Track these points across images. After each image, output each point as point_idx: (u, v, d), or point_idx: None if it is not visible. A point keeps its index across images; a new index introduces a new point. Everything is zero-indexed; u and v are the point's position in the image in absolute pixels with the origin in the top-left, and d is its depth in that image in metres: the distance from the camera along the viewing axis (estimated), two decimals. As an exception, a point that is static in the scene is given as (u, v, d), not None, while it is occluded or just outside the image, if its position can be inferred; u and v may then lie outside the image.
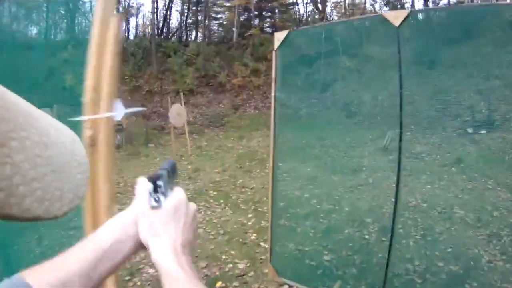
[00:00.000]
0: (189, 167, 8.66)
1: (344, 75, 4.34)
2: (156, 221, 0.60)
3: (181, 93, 11.42)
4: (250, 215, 5.33)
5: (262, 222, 4.86)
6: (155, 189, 0.62)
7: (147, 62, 17.13)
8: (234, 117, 15.09)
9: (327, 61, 3.62)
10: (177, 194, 0.64)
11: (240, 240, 4.63)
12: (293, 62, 3.66)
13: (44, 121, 0.30)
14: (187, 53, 17.45)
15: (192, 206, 0.66)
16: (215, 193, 6.47)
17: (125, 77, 16.03)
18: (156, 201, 0.61)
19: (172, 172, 0.69)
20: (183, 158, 9.97)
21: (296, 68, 3.77)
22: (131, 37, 20.92)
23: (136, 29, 22.16)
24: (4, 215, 0.24)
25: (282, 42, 3.14)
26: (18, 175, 0.24)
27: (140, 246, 0.61)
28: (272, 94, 3.10)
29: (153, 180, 0.62)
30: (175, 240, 0.59)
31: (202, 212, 5.49)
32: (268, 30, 20.61)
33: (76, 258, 0.55)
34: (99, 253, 0.56)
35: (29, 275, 0.48)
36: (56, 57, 2.95)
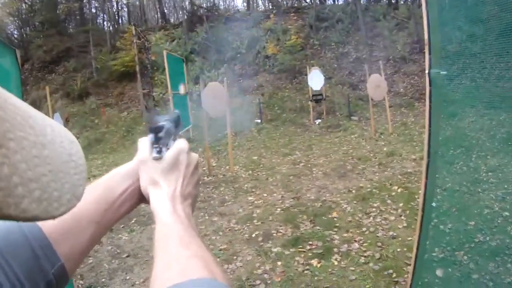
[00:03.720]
0: (384, 149, 7.92)
1: None
2: (157, 172, 0.60)
3: (380, 62, 10.52)
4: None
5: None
6: (157, 140, 0.61)
7: (354, 27, 16.33)
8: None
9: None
10: (179, 145, 0.63)
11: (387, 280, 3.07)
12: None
13: (41, 121, 0.30)
14: (398, 17, 15.96)
15: (194, 156, 0.65)
16: (399, 190, 5.23)
17: (332, 44, 16.19)
18: (158, 152, 0.60)
19: (176, 124, 0.68)
20: (381, 136, 9.29)
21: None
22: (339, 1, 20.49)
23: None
24: (2, 215, 0.23)
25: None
26: (16, 175, 0.24)
27: (143, 198, 0.61)
28: (426, 70, 1.94)
29: (155, 130, 0.61)
30: (174, 189, 0.59)
31: (371, 218, 4.46)
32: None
33: (86, 204, 0.54)
34: (108, 202, 0.58)
35: None
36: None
